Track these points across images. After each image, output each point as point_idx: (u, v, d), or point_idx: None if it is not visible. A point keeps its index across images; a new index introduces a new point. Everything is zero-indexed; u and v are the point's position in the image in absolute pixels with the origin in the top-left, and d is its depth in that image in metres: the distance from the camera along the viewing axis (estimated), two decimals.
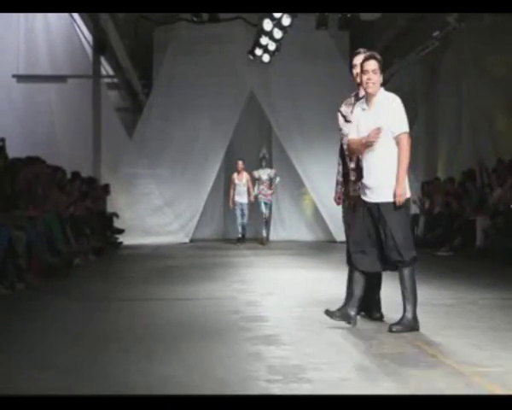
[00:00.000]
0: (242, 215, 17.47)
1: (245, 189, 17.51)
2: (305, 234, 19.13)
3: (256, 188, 17.49)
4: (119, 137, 18.75)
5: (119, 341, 5.54)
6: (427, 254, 14.67)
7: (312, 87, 18.84)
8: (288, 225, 19.00)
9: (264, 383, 4.14)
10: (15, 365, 4.71)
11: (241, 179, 17.58)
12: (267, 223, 17.85)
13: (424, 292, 8.26)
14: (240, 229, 17.51)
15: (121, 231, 16.61)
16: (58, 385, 4.15)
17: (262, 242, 17.35)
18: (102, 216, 15.66)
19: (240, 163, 17.63)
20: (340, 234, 18.82)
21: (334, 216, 19.03)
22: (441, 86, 18.68)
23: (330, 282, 9.62)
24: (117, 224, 16.74)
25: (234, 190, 17.51)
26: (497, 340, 5.40)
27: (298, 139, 18.51)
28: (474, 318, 6.48)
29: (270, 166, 18.04)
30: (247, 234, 17.74)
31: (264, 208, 17.48)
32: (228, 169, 19.92)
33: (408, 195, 5.99)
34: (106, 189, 17.00)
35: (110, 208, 17.02)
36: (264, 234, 17.60)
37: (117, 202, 17.75)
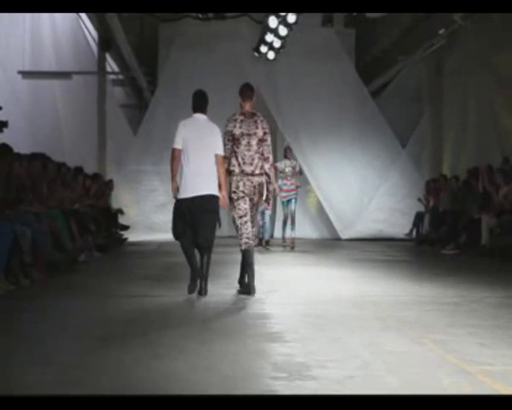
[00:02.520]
0: (262, 213, 14.72)
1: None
2: (309, 232, 19.10)
3: (279, 182, 14.83)
4: (124, 134, 18.80)
5: (123, 337, 5.54)
6: (432, 252, 14.69)
7: (317, 84, 18.85)
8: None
9: (268, 381, 4.14)
10: (20, 360, 4.71)
11: None
12: (292, 222, 15.14)
13: (429, 290, 8.29)
14: (259, 231, 14.84)
15: (126, 228, 16.64)
16: (62, 381, 4.15)
17: (286, 243, 15.23)
18: (107, 212, 15.67)
19: None
20: (344, 232, 18.89)
21: (338, 214, 19.08)
22: (447, 84, 18.68)
23: (335, 279, 9.62)
24: (122, 220, 16.77)
25: None
26: (502, 338, 5.39)
27: (303, 136, 18.50)
28: (479, 316, 6.46)
29: (295, 158, 16.03)
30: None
31: (286, 208, 15.22)
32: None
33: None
34: (109, 184, 17.02)
35: (115, 205, 17.05)
36: (290, 234, 15.18)
37: (122, 199, 17.79)
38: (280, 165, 15.19)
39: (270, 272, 10.68)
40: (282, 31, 16.61)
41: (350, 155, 19.20)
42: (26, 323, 6.22)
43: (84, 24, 17.71)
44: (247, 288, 7.84)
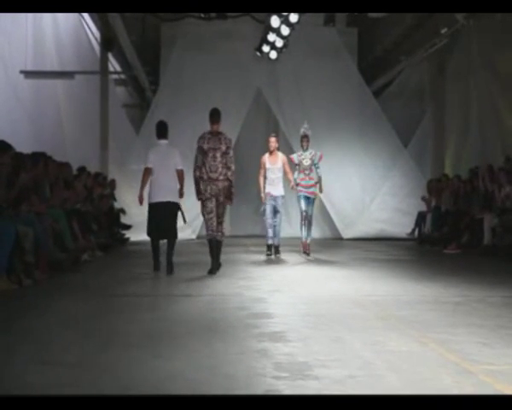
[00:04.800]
0: (275, 213, 12.67)
1: (280, 176, 12.74)
2: (311, 231, 19.06)
3: (295, 175, 12.84)
4: (127, 134, 18.79)
5: (126, 337, 5.54)
6: (434, 252, 14.69)
7: (320, 84, 18.85)
8: (294, 222, 18.52)
9: (270, 380, 4.14)
10: (23, 360, 4.72)
11: (276, 162, 12.73)
12: (309, 224, 12.93)
13: (431, 289, 8.29)
14: (271, 233, 12.66)
15: (128, 228, 16.63)
16: (66, 382, 4.16)
17: (304, 249, 12.90)
18: (109, 212, 15.68)
19: (273, 140, 12.89)
20: (346, 231, 18.89)
21: (340, 213, 19.08)
22: (449, 83, 18.66)
23: (336, 279, 9.63)
24: (124, 220, 16.76)
25: (264, 177, 12.75)
26: (504, 338, 5.39)
27: None
28: (480, 316, 6.46)
29: (313, 148, 13.19)
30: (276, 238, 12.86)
31: (304, 204, 12.75)
32: (235, 165, 19.92)
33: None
34: (112, 185, 17.04)
35: (117, 205, 17.04)
36: (306, 237, 12.91)
37: (124, 199, 17.76)
38: (295, 157, 13.05)
39: (272, 271, 10.69)
40: (285, 30, 16.60)
41: (352, 154, 19.19)
42: (28, 322, 6.23)
43: (87, 24, 17.71)
44: (211, 268, 10.00)
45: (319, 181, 12.97)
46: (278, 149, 13.06)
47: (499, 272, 10.77)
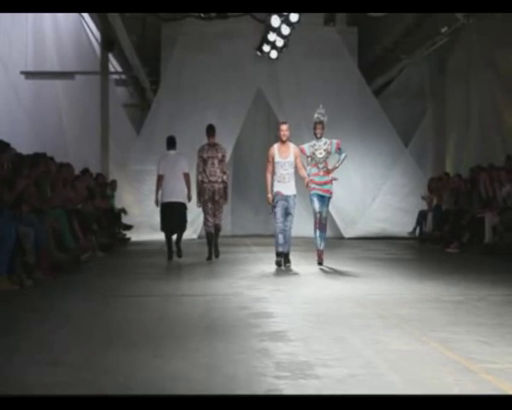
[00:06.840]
0: (286, 216, 10.89)
1: (291, 172, 10.74)
2: (312, 230, 19.04)
3: (308, 170, 10.96)
4: (127, 134, 18.82)
5: (127, 337, 5.54)
6: (435, 251, 14.69)
7: (320, 83, 18.85)
8: (296, 222, 18.42)
9: (271, 380, 4.14)
10: (25, 361, 4.72)
11: (287, 156, 10.70)
12: (323, 227, 11.15)
13: (432, 288, 8.29)
14: (281, 239, 10.79)
15: (129, 228, 16.65)
16: (67, 381, 4.15)
17: (319, 255, 11.13)
18: (110, 212, 15.69)
19: (285, 128, 10.83)
20: (347, 230, 18.88)
21: (341, 213, 19.07)
22: (449, 82, 18.68)
23: (337, 278, 9.62)
24: (125, 220, 16.78)
25: (272, 174, 10.78)
26: (505, 336, 5.38)
27: (306, 135, 18.40)
28: (482, 314, 6.45)
29: (329, 137, 11.11)
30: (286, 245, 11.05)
31: (317, 205, 10.91)
32: (236, 165, 19.94)
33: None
34: (112, 185, 17.06)
35: (118, 205, 17.06)
36: (320, 244, 11.09)
37: (125, 199, 17.79)
38: (307, 148, 11.07)
39: (273, 270, 10.68)
40: (285, 30, 16.63)
41: (353, 153, 19.12)
42: (29, 323, 6.23)
43: (87, 24, 17.73)
44: (208, 255, 12.01)
45: (341, 161, 11.03)
46: (290, 139, 11.06)
47: (500, 270, 10.77)
